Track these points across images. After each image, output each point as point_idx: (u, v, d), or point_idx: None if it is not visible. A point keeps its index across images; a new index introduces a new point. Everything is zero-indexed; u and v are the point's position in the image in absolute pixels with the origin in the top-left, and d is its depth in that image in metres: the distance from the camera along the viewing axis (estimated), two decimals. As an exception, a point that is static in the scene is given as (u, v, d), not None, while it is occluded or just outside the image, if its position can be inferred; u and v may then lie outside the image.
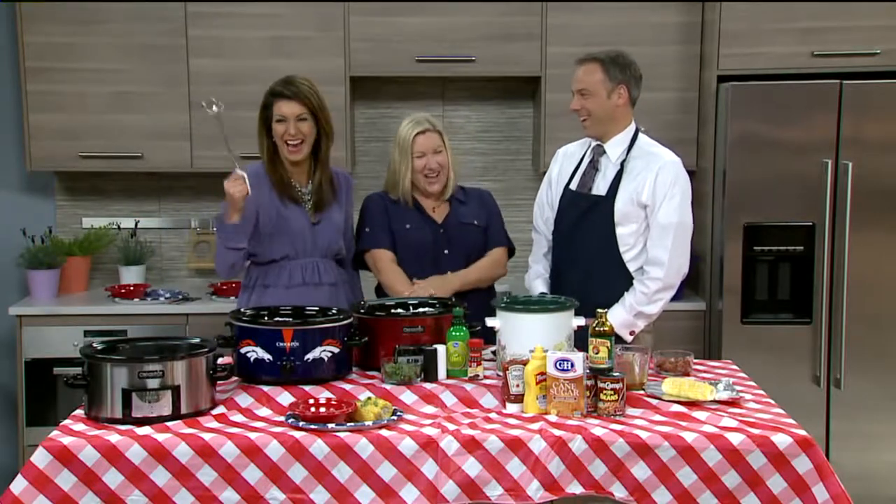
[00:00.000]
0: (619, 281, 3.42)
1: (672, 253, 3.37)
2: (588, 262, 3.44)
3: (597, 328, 2.81)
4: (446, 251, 3.62)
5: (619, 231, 3.41)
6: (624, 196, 3.40)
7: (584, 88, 3.42)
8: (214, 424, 2.63)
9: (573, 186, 3.54)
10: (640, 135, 3.51)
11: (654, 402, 2.81)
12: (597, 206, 3.44)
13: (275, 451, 2.51)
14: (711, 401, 2.79)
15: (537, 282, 3.64)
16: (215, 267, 3.49)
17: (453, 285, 3.53)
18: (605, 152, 3.50)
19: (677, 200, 3.39)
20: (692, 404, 2.77)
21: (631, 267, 3.43)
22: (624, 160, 3.45)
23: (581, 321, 3.03)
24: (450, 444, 2.53)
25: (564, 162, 3.64)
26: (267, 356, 2.89)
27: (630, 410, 2.74)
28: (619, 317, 3.34)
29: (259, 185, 3.43)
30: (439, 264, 3.60)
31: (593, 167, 3.51)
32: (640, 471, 2.53)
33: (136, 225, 4.77)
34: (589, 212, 3.46)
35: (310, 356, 2.90)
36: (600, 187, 3.46)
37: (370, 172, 4.82)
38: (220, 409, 2.75)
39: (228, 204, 3.29)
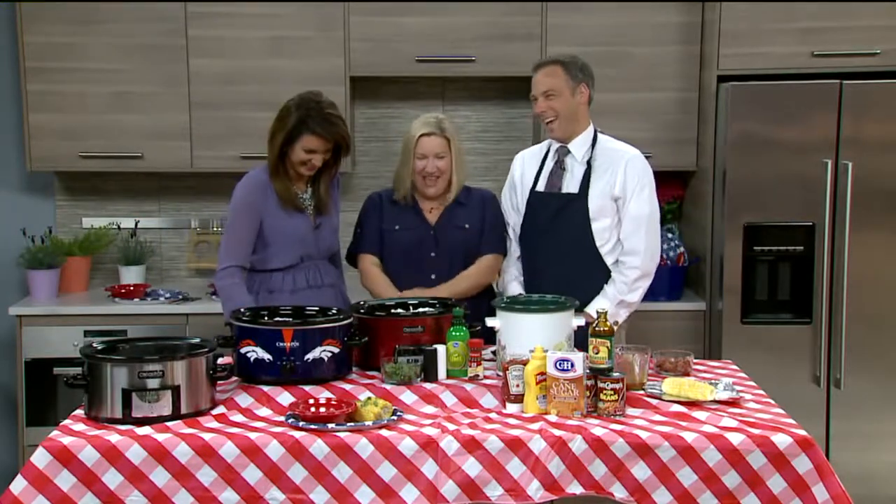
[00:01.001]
0: (598, 275, 3.53)
1: (647, 241, 3.51)
2: (566, 260, 3.52)
3: (597, 328, 2.81)
4: (433, 254, 3.61)
5: (594, 226, 3.50)
6: (596, 191, 3.51)
7: (550, 90, 3.53)
8: (214, 424, 2.63)
9: (540, 188, 3.62)
10: (599, 134, 3.62)
11: (654, 402, 2.81)
12: (570, 203, 3.53)
13: (275, 451, 2.51)
14: (711, 401, 2.79)
15: (513, 284, 3.67)
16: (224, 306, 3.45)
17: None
18: (569, 152, 3.59)
19: (647, 191, 3.53)
20: (692, 404, 2.77)
21: (608, 260, 3.53)
22: (590, 158, 3.55)
23: (581, 321, 3.04)
24: (450, 444, 2.53)
25: (526, 165, 3.72)
26: (267, 356, 2.89)
27: (630, 410, 2.74)
28: (602, 308, 3.35)
29: (266, 194, 3.43)
30: (424, 266, 3.59)
31: (560, 167, 3.60)
32: (641, 471, 2.53)
33: (136, 225, 4.77)
34: (563, 210, 3.54)
35: (310, 356, 2.90)
36: (570, 186, 3.56)
37: (370, 172, 4.82)
38: (220, 409, 2.75)
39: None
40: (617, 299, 3.47)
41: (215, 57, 4.42)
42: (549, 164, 3.63)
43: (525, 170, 3.70)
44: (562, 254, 3.53)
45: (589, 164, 3.54)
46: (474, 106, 4.88)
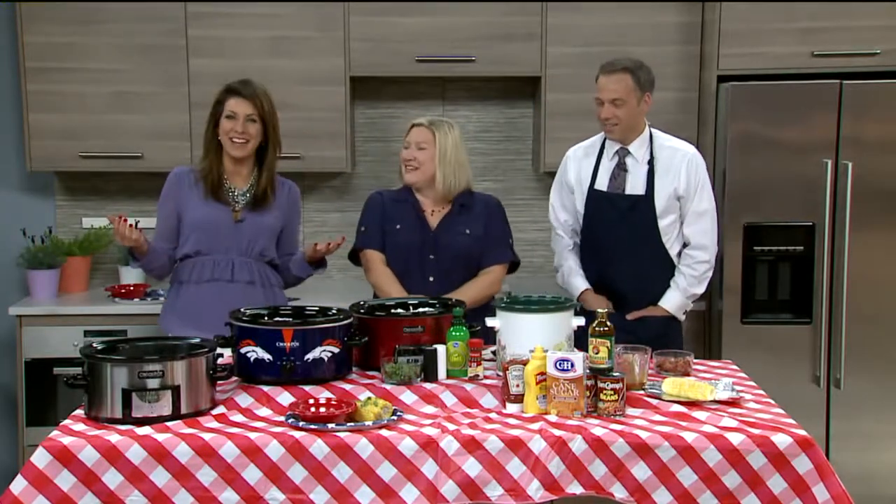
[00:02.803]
0: (667, 270, 3.70)
1: (711, 235, 3.69)
2: (638, 259, 3.65)
3: (597, 328, 2.81)
4: (431, 256, 3.61)
5: (660, 224, 3.63)
6: (661, 192, 3.62)
7: (618, 98, 3.59)
8: (214, 424, 2.63)
9: (602, 188, 3.69)
10: (654, 131, 3.70)
11: (654, 402, 2.80)
12: (637, 205, 3.63)
13: (275, 451, 2.51)
14: (711, 401, 2.79)
15: (577, 279, 3.76)
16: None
17: None
18: (629, 153, 3.67)
19: (707, 187, 3.68)
20: (692, 404, 2.77)
21: (672, 253, 3.67)
22: (650, 158, 3.64)
23: (581, 321, 3.03)
24: (450, 444, 2.53)
25: (581, 164, 3.76)
26: (267, 356, 2.88)
27: (630, 410, 2.74)
28: (676, 301, 3.68)
29: (181, 187, 3.55)
30: (424, 268, 3.59)
31: (621, 168, 3.67)
32: (641, 471, 2.52)
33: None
34: (630, 211, 3.64)
35: (310, 356, 2.90)
36: (635, 187, 3.65)
37: (370, 172, 4.82)
38: (220, 409, 2.75)
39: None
40: (688, 293, 3.68)
41: (215, 57, 4.42)
42: (607, 163, 3.70)
43: (580, 169, 3.75)
44: (631, 250, 3.65)
45: (650, 164, 3.63)
46: (474, 106, 4.89)
